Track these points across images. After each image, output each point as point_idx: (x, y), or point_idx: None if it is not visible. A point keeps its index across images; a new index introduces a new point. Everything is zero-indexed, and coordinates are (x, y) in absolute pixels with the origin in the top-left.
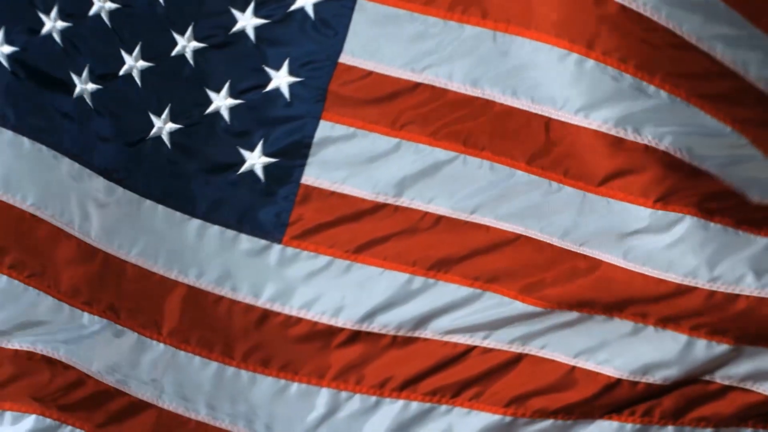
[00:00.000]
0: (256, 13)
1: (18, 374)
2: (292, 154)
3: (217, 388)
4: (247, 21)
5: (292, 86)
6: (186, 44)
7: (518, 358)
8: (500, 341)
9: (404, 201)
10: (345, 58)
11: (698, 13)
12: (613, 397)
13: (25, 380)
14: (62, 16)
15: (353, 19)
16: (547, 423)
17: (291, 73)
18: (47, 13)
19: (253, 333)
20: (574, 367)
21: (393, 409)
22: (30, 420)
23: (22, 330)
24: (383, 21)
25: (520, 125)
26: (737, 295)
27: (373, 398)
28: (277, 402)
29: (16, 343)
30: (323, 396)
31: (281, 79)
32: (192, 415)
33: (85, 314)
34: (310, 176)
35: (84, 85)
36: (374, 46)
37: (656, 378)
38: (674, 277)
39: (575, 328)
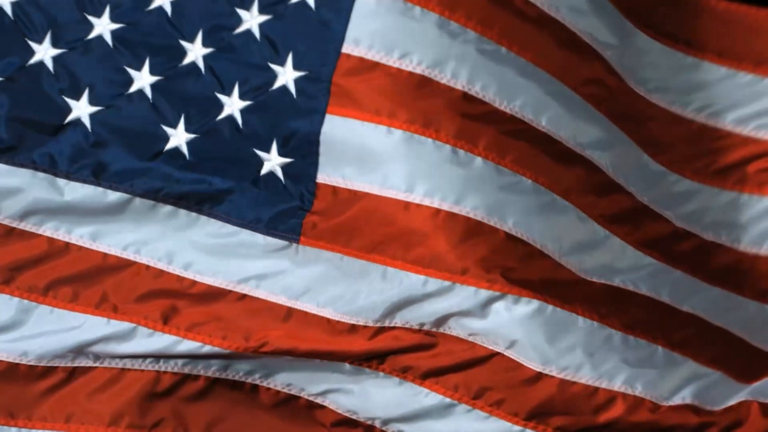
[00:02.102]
0: (261, 10)
1: None
2: (305, 152)
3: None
4: (252, 19)
5: (297, 81)
6: (197, 52)
7: (538, 377)
8: (520, 355)
9: (415, 197)
10: (348, 48)
11: None
12: (639, 419)
13: None
14: (56, 42)
15: (355, 8)
16: None
17: (296, 67)
18: (39, 41)
19: (275, 327)
20: (597, 389)
21: (414, 393)
22: None
23: None
24: (384, 9)
25: None
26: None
27: (396, 379)
28: (299, 363)
29: None
30: (347, 367)
31: (287, 75)
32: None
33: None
34: (324, 173)
35: (83, 110)
36: (376, 35)
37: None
38: None
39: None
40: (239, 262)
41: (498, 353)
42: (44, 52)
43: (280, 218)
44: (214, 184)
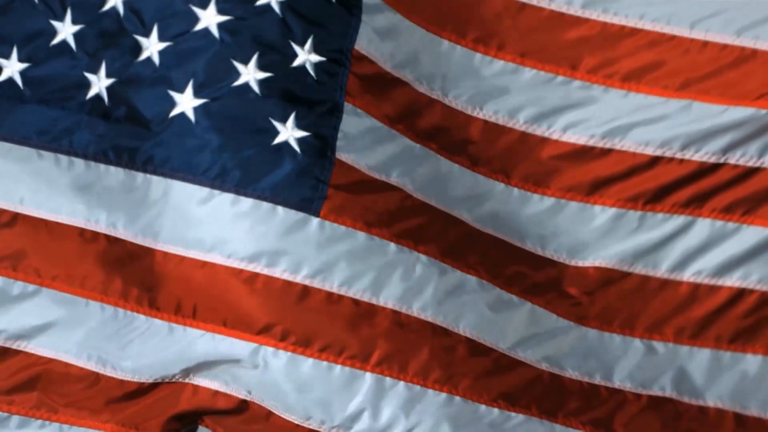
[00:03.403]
0: None
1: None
2: (326, 130)
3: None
4: None
5: (317, 65)
6: (210, 19)
7: (552, 376)
8: (527, 356)
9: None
10: (360, 45)
11: None
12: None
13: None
14: (76, 19)
15: (364, 8)
16: None
17: (316, 51)
18: (61, 19)
19: (293, 310)
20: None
21: (437, 401)
22: None
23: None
24: (385, 16)
25: None
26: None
27: (417, 387)
28: (320, 381)
29: None
30: (367, 382)
31: (306, 56)
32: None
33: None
34: (343, 152)
35: (101, 83)
36: (377, 40)
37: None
38: None
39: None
40: (251, 237)
41: (504, 355)
42: (65, 31)
43: (296, 190)
44: (221, 154)
